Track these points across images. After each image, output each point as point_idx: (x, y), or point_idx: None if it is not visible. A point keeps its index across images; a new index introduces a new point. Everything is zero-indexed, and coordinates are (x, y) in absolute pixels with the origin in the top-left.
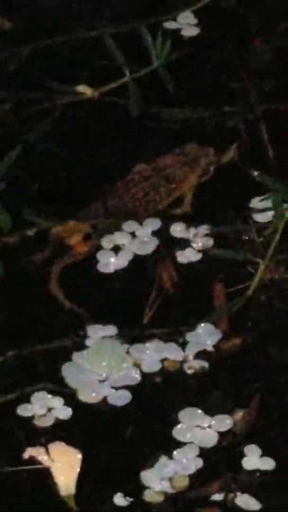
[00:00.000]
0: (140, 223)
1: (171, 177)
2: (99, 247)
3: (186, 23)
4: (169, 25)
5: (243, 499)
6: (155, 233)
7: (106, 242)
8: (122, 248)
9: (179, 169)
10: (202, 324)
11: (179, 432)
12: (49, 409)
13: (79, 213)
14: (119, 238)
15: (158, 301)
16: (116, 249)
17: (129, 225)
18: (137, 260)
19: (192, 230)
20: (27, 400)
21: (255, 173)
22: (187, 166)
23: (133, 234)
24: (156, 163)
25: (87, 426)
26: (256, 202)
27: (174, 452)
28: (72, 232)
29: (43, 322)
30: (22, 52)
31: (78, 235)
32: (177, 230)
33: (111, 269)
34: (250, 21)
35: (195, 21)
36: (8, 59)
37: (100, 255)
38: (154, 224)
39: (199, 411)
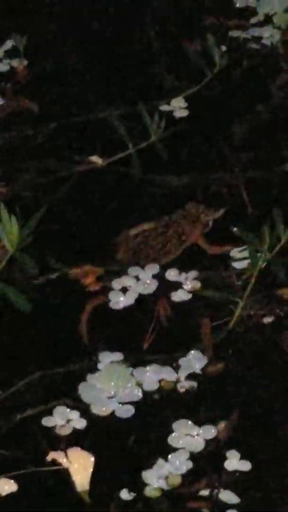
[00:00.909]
0: (142, 268)
1: (179, 232)
2: (110, 288)
3: (178, 106)
4: (164, 108)
5: (225, 494)
6: (154, 276)
7: (116, 284)
8: (128, 289)
9: (185, 224)
10: (192, 352)
11: (173, 439)
12: (68, 421)
13: (110, 259)
14: (126, 280)
15: (155, 333)
16: (124, 289)
17: (133, 270)
18: (140, 298)
19: (184, 275)
20: (50, 413)
21: (235, 229)
22: (191, 222)
23: (137, 278)
24: (165, 220)
25: (99, 435)
26: (235, 253)
27: (169, 456)
28: (87, 274)
29: (64, 349)
30: (47, 129)
31: (92, 276)
32: (171, 274)
33: (120, 306)
34: (230, 105)
35: (185, 104)
36: (35, 135)
37: (111, 295)
38: (153, 269)
39: (190, 422)
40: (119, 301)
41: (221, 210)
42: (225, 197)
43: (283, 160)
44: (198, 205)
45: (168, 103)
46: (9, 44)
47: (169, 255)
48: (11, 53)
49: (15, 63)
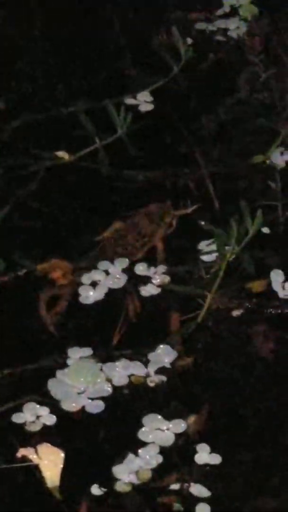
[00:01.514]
0: (112, 262)
1: (142, 233)
2: (79, 283)
3: (144, 100)
4: (130, 102)
5: (196, 488)
6: (124, 271)
7: (86, 278)
8: (98, 283)
9: (148, 226)
10: (161, 346)
11: (143, 433)
12: (38, 417)
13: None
14: (96, 275)
15: (124, 327)
16: (94, 284)
17: (103, 264)
18: (110, 293)
19: (152, 269)
20: (20, 410)
21: (202, 223)
22: (154, 223)
23: (106, 272)
24: (130, 221)
25: (69, 430)
26: (203, 246)
27: (139, 450)
28: (55, 268)
29: (33, 346)
30: (12, 126)
31: (59, 271)
32: (140, 269)
33: (90, 300)
34: (197, 99)
35: (151, 99)
36: (1, 131)
37: (81, 290)
38: (123, 263)
39: (159, 416)
40: (89, 295)
41: (189, 208)
42: (192, 191)
43: (250, 153)
44: (161, 204)
45: (134, 97)
46: None
47: (132, 256)
48: None
49: None
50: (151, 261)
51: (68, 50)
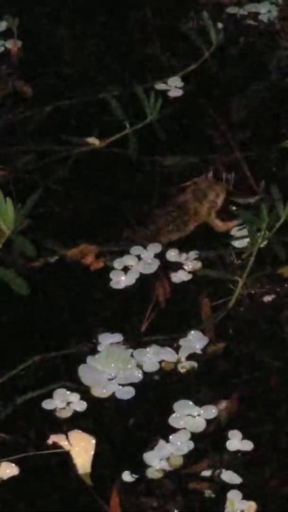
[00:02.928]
0: (145, 248)
1: (184, 211)
2: (111, 267)
3: (174, 86)
4: (160, 87)
5: (227, 475)
6: (156, 256)
7: (118, 263)
8: (130, 269)
9: (192, 203)
10: (192, 332)
11: (174, 420)
12: (68, 403)
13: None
14: (128, 260)
15: (155, 314)
16: (125, 269)
17: (135, 249)
18: (142, 278)
19: (184, 255)
20: (50, 396)
21: (234, 208)
22: (197, 201)
23: (138, 257)
24: (176, 199)
25: (100, 417)
26: (235, 231)
27: (170, 437)
28: (85, 254)
29: (64, 332)
30: (43, 111)
31: (91, 256)
32: (172, 254)
33: (121, 285)
34: (228, 83)
35: (182, 84)
36: (31, 117)
37: (112, 274)
38: (155, 248)
39: (190, 402)
40: (120, 280)
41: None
42: (226, 176)
43: (281, 138)
44: (210, 180)
45: (165, 83)
46: (2, 25)
47: (172, 236)
48: (4, 35)
49: (9, 44)
50: (185, 242)
51: (97, 36)
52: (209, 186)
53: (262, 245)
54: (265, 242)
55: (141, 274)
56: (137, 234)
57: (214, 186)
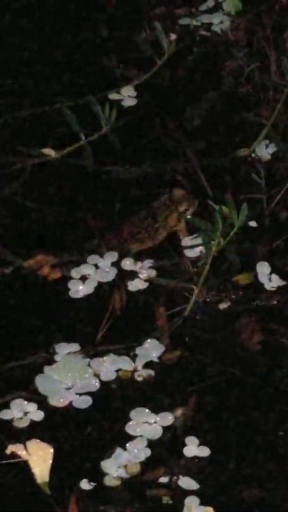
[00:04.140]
0: (101, 257)
1: (155, 219)
2: (69, 277)
3: (127, 95)
4: (114, 97)
5: (184, 481)
6: (113, 264)
7: (75, 273)
8: (88, 277)
9: (163, 211)
10: (148, 340)
11: (131, 427)
12: (25, 413)
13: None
14: (86, 269)
15: (112, 322)
16: (84, 278)
17: (92, 258)
18: (100, 287)
19: (139, 264)
20: (7, 406)
21: (188, 217)
22: (168, 209)
23: (96, 266)
24: (151, 207)
25: (57, 426)
26: (187, 241)
27: (127, 444)
28: (42, 264)
29: (21, 342)
30: None
31: (47, 266)
32: (127, 263)
33: (80, 294)
34: (181, 93)
35: (135, 93)
36: None
37: (70, 284)
38: (112, 257)
39: (147, 410)
40: (79, 290)
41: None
42: (184, 185)
43: (235, 147)
44: (184, 193)
45: (118, 92)
46: None
47: (148, 241)
48: None
49: None
50: (140, 251)
51: (51, 47)
52: (182, 197)
53: (216, 253)
54: (219, 250)
55: (99, 283)
56: (106, 243)
57: (186, 197)
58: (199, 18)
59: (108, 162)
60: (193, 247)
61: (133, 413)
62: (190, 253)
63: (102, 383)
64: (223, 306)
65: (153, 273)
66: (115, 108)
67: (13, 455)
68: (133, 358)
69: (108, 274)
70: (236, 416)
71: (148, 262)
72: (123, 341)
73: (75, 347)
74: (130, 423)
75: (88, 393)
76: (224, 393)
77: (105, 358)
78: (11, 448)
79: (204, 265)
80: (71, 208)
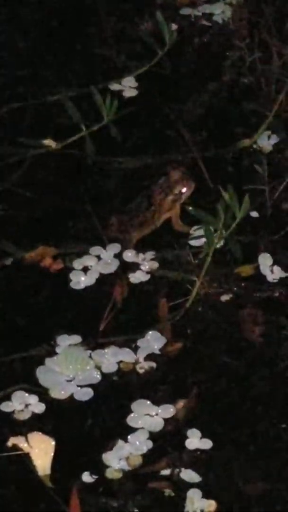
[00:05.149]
0: (104, 248)
1: (151, 202)
2: (71, 268)
3: (129, 86)
4: (115, 87)
5: (186, 474)
6: (116, 256)
7: (77, 264)
8: (90, 269)
9: (158, 194)
10: (150, 332)
11: (132, 419)
12: (27, 405)
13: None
14: (88, 260)
15: (114, 314)
16: (85, 269)
17: (95, 250)
18: (101, 278)
19: (141, 255)
20: (9, 398)
21: (190, 208)
22: (164, 192)
23: (98, 257)
24: (150, 190)
25: (58, 418)
26: (193, 230)
27: (129, 437)
28: (43, 256)
29: (22, 334)
30: None
31: (48, 258)
32: (129, 255)
33: (81, 286)
34: (183, 83)
35: (136, 84)
36: None
37: (72, 275)
38: (115, 248)
39: (148, 402)
40: (80, 281)
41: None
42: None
43: (237, 138)
44: (182, 175)
45: (119, 83)
46: None
47: (148, 225)
48: None
49: None
50: (143, 242)
51: (53, 37)
52: (177, 179)
53: (219, 245)
54: (222, 241)
55: (101, 274)
56: (107, 232)
57: (182, 179)
58: (200, 8)
59: (109, 153)
60: (196, 238)
61: (134, 405)
62: (192, 244)
63: (104, 375)
64: (224, 298)
65: (155, 264)
66: (116, 99)
67: (15, 447)
68: (135, 350)
69: (110, 266)
70: (238, 408)
71: (150, 254)
72: (125, 333)
73: (77, 339)
74: (132, 415)
75: (90, 385)
76: (226, 385)
77: (106, 350)
78: (12, 441)
79: (206, 257)
80: (71, 199)
